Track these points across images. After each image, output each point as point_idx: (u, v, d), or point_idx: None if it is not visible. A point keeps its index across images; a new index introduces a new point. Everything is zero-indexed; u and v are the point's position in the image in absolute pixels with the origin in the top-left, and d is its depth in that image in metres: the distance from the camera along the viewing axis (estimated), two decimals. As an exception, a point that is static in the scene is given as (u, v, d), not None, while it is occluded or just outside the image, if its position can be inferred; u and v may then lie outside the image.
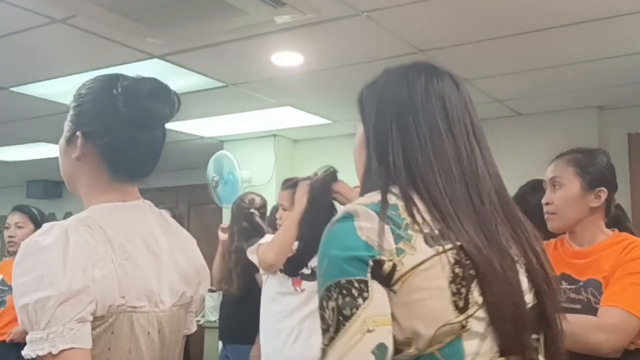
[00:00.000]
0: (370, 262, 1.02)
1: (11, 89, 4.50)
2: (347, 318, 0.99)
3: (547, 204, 2.01)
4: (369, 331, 0.98)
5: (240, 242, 3.63)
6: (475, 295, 1.04)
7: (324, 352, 1.00)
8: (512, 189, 2.95)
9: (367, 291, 1.00)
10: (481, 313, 1.04)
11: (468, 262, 1.04)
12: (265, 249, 2.95)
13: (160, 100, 1.42)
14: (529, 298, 1.11)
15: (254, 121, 5.54)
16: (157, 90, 1.43)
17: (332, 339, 0.99)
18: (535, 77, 4.29)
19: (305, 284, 2.84)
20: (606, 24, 3.37)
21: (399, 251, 1.03)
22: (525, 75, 4.23)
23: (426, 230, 1.05)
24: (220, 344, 3.98)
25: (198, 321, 5.53)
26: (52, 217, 8.56)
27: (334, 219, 1.13)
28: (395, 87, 1.25)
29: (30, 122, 5.44)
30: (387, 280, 1.02)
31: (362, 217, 1.07)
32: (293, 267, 2.86)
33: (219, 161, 5.90)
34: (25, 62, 3.99)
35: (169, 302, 1.36)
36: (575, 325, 1.68)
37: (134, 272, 1.27)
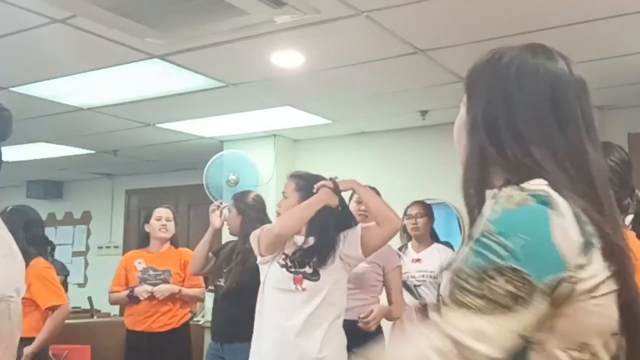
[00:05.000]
0: None
1: (11, 89, 4.50)
2: None
3: None
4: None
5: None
6: None
7: (451, 307, 0.91)
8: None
9: None
10: None
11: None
12: (279, 219, 2.94)
13: None
14: None
15: (254, 121, 5.54)
16: None
17: (475, 309, 0.90)
18: (535, 77, 4.29)
19: (306, 283, 2.81)
20: (606, 24, 3.37)
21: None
22: (525, 75, 4.23)
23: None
24: (209, 342, 3.97)
25: (198, 321, 5.51)
26: (52, 217, 8.58)
27: None
28: (505, 69, 1.14)
29: (30, 122, 5.44)
30: None
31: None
32: (299, 262, 2.84)
33: (234, 160, 5.83)
34: (25, 62, 4.00)
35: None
36: None
37: (12, 266, 1.44)
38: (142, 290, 4.23)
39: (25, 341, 3.44)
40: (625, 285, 0.96)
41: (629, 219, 1.99)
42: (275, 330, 2.82)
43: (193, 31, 3.41)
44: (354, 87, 4.53)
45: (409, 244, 4.29)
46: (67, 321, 3.62)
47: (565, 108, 1.10)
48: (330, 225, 2.86)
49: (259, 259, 2.95)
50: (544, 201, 0.94)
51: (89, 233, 8.60)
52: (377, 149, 5.82)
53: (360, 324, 3.13)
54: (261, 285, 2.94)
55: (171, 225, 4.40)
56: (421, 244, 4.30)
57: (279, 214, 3.01)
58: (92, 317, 6.47)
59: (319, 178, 2.92)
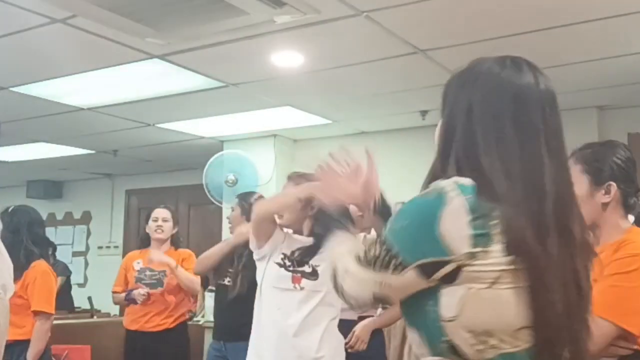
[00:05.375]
0: None
1: (11, 89, 4.50)
2: None
3: None
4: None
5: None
6: None
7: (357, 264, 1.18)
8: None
9: None
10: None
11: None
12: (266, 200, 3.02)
13: None
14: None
15: (254, 121, 5.54)
16: None
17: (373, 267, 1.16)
18: (535, 77, 4.29)
19: (305, 282, 2.82)
20: (606, 24, 3.37)
21: None
22: (525, 75, 4.23)
23: None
24: (210, 341, 3.97)
25: (197, 321, 5.51)
26: (52, 217, 8.58)
27: None
28: (471, 81, 1.20)
29: (30, 122, 5.44)
30: None
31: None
32: (298, 262, 2.84)
33: (233, 160, 5.83)
34: (25, 62, 4.00)
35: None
36: None
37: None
38: (138, 294, 4.26)
39: (25, 344, 3.44)
40: (536, 284, 1.06)
41: (631, 218, 1.97)
42: (273, 329, 2.82)
43: (193, 31, 3.41)
44: (354, 87, 4.53)
45: None
46: (67, 321, 3.63)
47: (525, 121, 1.15)
48: (331, 226, 2.85)
49: (255, 254, 2.95)
50: (442, 197, 1.07)
51: (89, 233, 8.60)
52: (377, 149, 5.79)
53: (348, 350, 3.13)
54: (259, 285, 2.94)
55: (168, 226, 4.38)
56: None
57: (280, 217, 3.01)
58: (92, 317, 6.47)
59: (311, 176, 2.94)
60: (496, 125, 1.14)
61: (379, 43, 3.64)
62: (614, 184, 1.88)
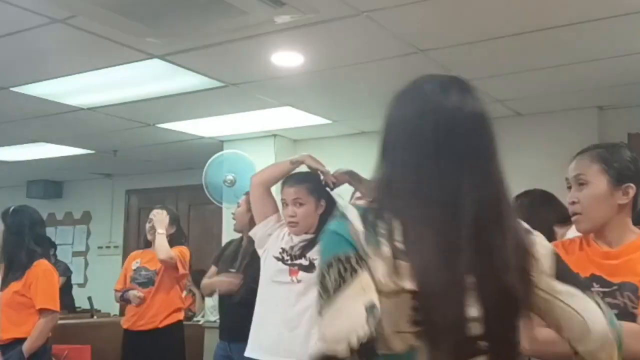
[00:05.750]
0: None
1: (11, 89, 4.50)
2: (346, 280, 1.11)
3: (573, 202, 1.90)
4: (363, 289, 1.10)
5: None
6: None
7: (321, 310, 1.11)
8: (512, 189, 2.96)
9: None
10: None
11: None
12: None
13: None
14: (475, 326, 1.15)
15: (254, 121, 5.53)
16: None
17: (330, 297, 1.11)
18: (535, 77, 4.29)
19: (302, 274, 2.83)
20: (606, 24, 3.37)
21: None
22: (525, 75, 4.23)
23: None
24: (218, 342, 3.97)
25: (198, 321, 5.52)
26: (52, 217, 8.58)
27: None
28: (401, 101, 1.30)
29: (30, 122, 5.44)
30: None
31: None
32: (296, 255, 2.86)
33: (232, 160, 5.83)
34: (25, 62, 3.99)
35: None
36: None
37: None
38: (132, 296, 4.29)
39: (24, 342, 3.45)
40: (420, 289, 1.11)
41: None
42: (272, 322, 2.84)
43: (193, 31, 3.41)
44: (354, 87, 4.53)
45: None
46: (67, 321, 3.63)
47: (444, 143, 1.19)
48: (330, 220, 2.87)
49: (258, 248, 2.98)
50: (342, 221, 1.18)
51: (89, 233, 8.60)
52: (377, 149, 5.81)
53: None
54: (260, 279, 2.97)
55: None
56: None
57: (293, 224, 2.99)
58: (92, 317, 6.48)
59: (310, 175, 2.97)
60: (416, 146, 1.20)
61: (379, 43, 3.64)
62: (633, 186, 1.88)
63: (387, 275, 1.11)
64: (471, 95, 1.26)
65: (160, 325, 4.31)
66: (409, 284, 1.11)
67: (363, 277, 1.11)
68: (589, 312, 1.25)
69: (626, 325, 1.72)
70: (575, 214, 1.91)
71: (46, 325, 3.47)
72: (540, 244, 1.29)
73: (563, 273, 1.29)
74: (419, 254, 1.12)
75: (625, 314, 1.76)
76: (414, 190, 1.17)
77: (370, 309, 1.08)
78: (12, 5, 3.11)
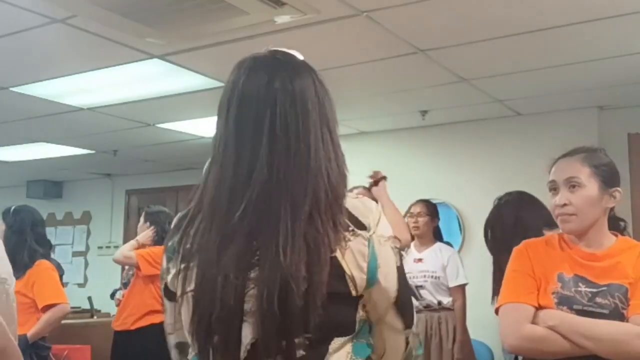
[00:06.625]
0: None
1: (11, 89, 4.50)
2: None
3: (565, 205, 1.90)
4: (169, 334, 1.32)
5: None
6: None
7: None
8: (511, 188, 2.96)
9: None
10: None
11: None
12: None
13: None
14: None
15: (254, 121, 5.53)
16: None
17: None
18: (535, 77, 4.29)
19: None
20: (606, 24, 3.37)
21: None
22: (525, 75, 4.23)
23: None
24: None
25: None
26: (52, 217, 8.58)
27: None
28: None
29: (30, 122, 5.44)
30: None
31: None
32: None
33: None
34: (25, 62, 3.99)
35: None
36: (616, 333, 1.73)
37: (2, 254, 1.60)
38: (116, 298, 4.35)
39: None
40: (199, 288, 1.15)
41: None
42: None
43: (193, 31, 3.41)
44: (354, 87, 4.53)
45: (412, 244, 4.25)
46: (67, 321, 3.62)
47: (246, 123, 1.23)
48: None
49: None
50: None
51: (88, 233, 8.60)
52: (377, 149, 5.81)
53: None
54: None
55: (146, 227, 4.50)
56: (423, 243, 4.29)
57: None
58: (92, 317, 6.47)
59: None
60: (221, 128, 1.29)
61: (379, 43, 3.64)
62: (620, 190, 1.94)
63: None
64: (279, 74, 1.31)
65: (131, 328, 4.18)
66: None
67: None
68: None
69: (625, 325, 1.77)
70: (565, 215, 1.92)
71: (54, 314, 3.45)
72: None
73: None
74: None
75: (616, 315, 1.80)
76: (213, 177, 1.39)
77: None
78: (12, 5, 3.11)
